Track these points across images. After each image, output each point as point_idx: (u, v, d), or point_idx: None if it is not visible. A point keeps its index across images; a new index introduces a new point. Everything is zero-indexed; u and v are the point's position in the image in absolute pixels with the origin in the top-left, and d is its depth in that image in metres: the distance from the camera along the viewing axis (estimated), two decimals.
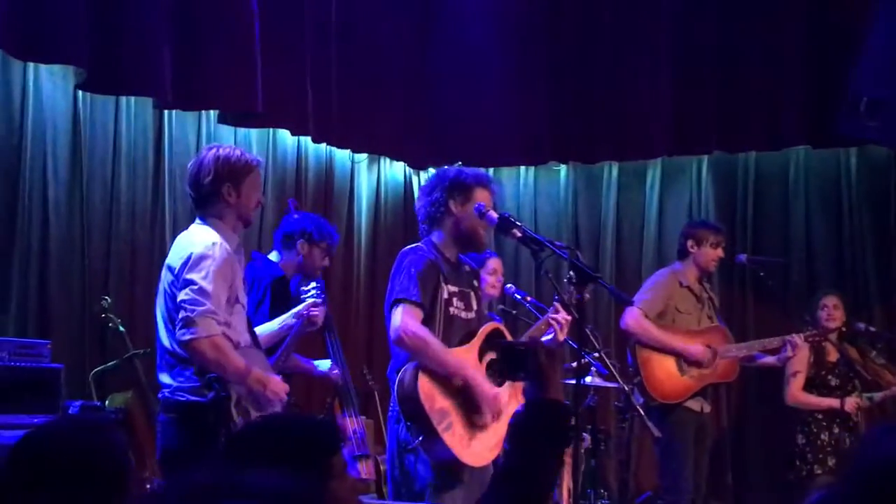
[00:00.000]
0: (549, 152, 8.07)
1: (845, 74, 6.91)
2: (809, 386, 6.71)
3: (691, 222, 6.85)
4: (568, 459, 4.88)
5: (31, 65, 5.92)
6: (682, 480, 6.00)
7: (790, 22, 7.54)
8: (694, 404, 6.06)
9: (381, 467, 6.24)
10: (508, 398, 4.52)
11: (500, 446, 4.51)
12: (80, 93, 6.14)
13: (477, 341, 4.50)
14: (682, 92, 7.68)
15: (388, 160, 8.29)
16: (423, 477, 4.34)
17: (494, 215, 4.41)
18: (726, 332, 6.28)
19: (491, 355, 4.52)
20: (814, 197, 7.95)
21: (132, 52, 5.90)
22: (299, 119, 7.07)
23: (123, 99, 6.40)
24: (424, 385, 4.28)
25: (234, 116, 6.83)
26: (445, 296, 4.46)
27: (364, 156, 8.03)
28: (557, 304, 4.64)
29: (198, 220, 4.22)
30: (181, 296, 3.98)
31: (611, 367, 4.59)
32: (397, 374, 4.38)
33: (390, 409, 4.49)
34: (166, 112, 6.61)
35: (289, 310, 5.13)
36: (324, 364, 5.74)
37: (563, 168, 8.50)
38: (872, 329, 6.82)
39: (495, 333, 4.59)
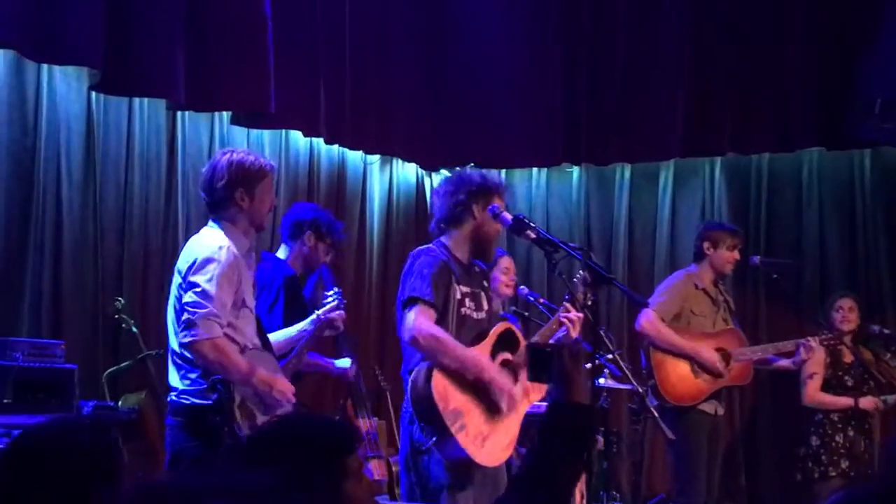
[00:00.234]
0: (561, 154, 8.06)
1: (859, 76, 6.91)
2: (826, 387, 6.70)
3: (708, 224, 6.82)
4: None
5: (44, 66, 5.93)
6: (695, 483, 5.98)
7: (803, 23, 7.52)
8: (708, 407, 6.03)
9: (393, 468, 6.24)
10: (520, 398, 4.52)
11: (513, 446, 4.52)
12: (93, 94, 6.15)
13: (489, 341, 4.50)
14: (695, 94, 7.67)
15: (400, 161, 8.28)
16: (436, 477, 4.33)
17: (509, 216, 4.42)
18: (741, 335, 6.25)
19: (504, 355, 4.53)
20: (827, 199, 7.92)
21: (146, 53, 5.92)
22: (312, 120, 7.08)
23: (137, 100, 6.41)
24: (438, 385, 4.28)
25: (247, 118, 6.84)
26: (458, 296, 4.46)
27: (376, 157, 8.03)
28: (567, 304, 4.64)
29: (210, 223, 4.24)
30: (185, 298, 4.01)
31: (624, 368, 4.59)
32: (410, 374, 4.39)
33: (403, 409, 4.48)
34: (179, 113, 6.62)
35: (302, 309, 5.12)
36: (343, 362, 5.72)
37: (575, 170, 8.49)
38: (887, 331, 6.80)
39: (507, 333, 4.59)
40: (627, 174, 8.36)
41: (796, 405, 6.78)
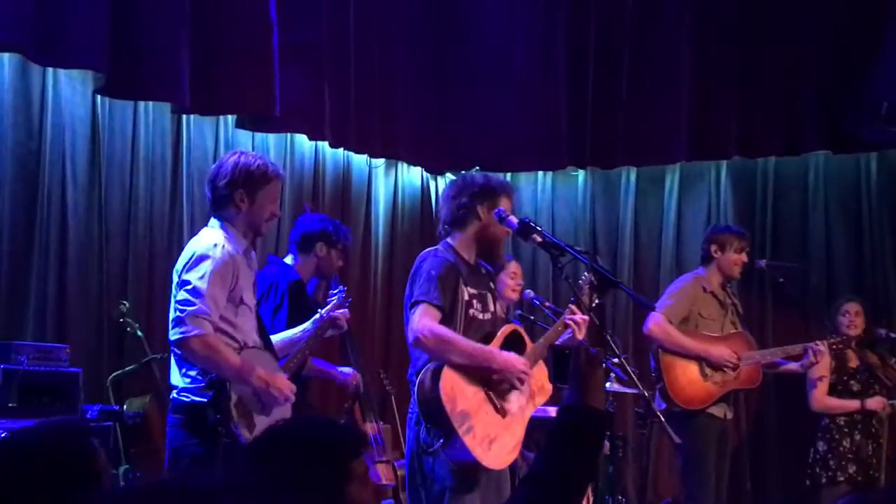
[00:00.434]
0: (566, 157, 8.06)
1: (865, 79, 6.89)
2: (832, 391, 6.68)
3: (715, 227, 6.79)
4: None
5: (50, 69, 5.94)
6: (704, 488, 5.95)
7: (809, 27, 7.51)
8: (717, 410, 6.00)
9: (399, 472, 6.23)
10: (526, 401, 4.51)
11: (518, 449, 4.50)
12: (98, 98, 6.16)
13: (496, 342, 4.50)
14: (700, 97, 7.66)
15: (405, 165, 8.28)
16: (441, 479, 4.33)
17: (514, 220, 4.41)
18: (749, 338, 6.23)
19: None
20: (833, 202, 7.91)
21: (151, 57, 5.93)
22: (317, 124, 7.08)
23: (142, 104, 6.41)
24: (446, 387, 4.27)
25: (252, 121, 6.84)
26: (466, 297, 4.46)
27: (381, 160, 8.02)
28: (573, 306, 4.63)
29: (211, 220, 4.27)
30: (177, 296, 4.05)
31: (630, 372, 4.57)
32: (417, 376, 4.38)
33: (409, 411, 4.48)
34: (184, 117, 6.62)
35: (306, 313, 5.11)
36: (345, 371, 5.75)
37: (581, 173, 8.48)
38: (893, 335, 6.78)
39: (514, 335, 4.59)
40: (633, 178, 8.35)
41: (802, 410, 6.76)
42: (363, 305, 7.72)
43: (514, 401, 4.47)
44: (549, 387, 4.71)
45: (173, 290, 4.15)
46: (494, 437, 4.37)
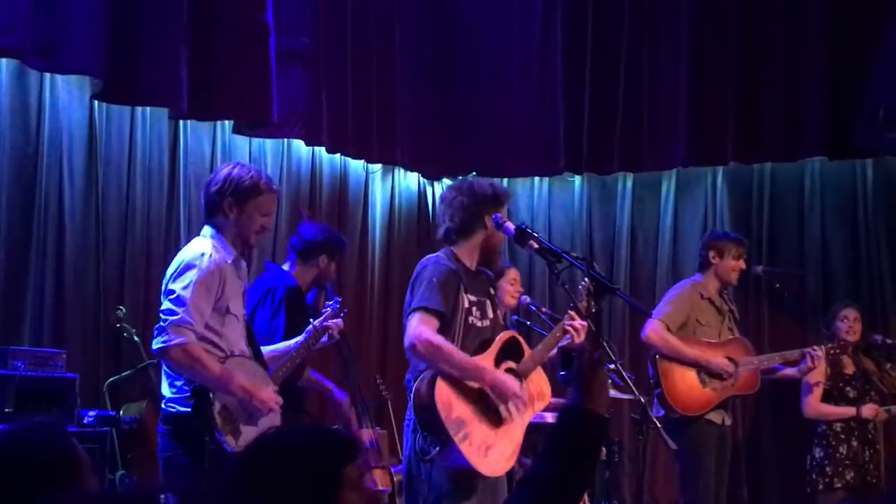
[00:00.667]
0: (563, 163, 8.06)
1: (862, 85, 6.90)
2: (827, 397, 6.69)
3: (713, 233, 6.80)
4: None
5: (47, 75, 5.94)
6: (703, 494, 5.95)
7: (807, 33, 7.52)
8: (716, 416, 6.01)
9: (396, 478, 6.23)
10: (525, 405, 4.51)
11: (516, 456, 4.50)
12: (95, 103, 6.16)
13: (493, 349, 4.50)
14: (697, 103, 7.67)
15: (402, 170, 8.28)
16: (438, 486, 4.32)
17: (512, 226, 4.41)
18: (747, 344, 6.23)
19: (507, 364, 4.53)
20: (829, 208, 7.91)
21: (148, 62, 5.93)
22: (314, 129, 7.08)
23: (139, 109, 6.41)
24: (441, 394, 4.27)
25: (249, 126, 6.83)
26: (466, 305, 4.47)
27: (378, 166, 8.02)
28: (573, 312, 4.63)
29: (205, 227, 4.29)
30: (162, 305, 4.08)
31: (626, 378, 4.57)
32: (415, 381, 4.38)
33: (406, 417, 4.47)
34: (181, 122, 6.62)
35: (304, 320, 5.11)
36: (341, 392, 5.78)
37: (577, 179, 8.49)
38: (889, 341, 6.79)
39: (511, 342, 4.58)
40: (630, 183, 8.36)
41: (799, 416, 6.77)
42: (360, 311, 7.71)
43: (512, 408, 4.47)
44: (548, 393, 4.70)
45: (161, 299, 4.17)
46: (491, 445, 4.36)
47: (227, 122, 6.85)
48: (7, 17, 5.39)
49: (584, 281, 4.05)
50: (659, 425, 4.30)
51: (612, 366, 4.94)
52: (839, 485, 6.52)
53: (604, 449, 6.07)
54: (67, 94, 6.10)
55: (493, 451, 4.36)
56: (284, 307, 5.25)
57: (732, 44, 7.67)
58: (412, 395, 4.37)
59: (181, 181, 6.61)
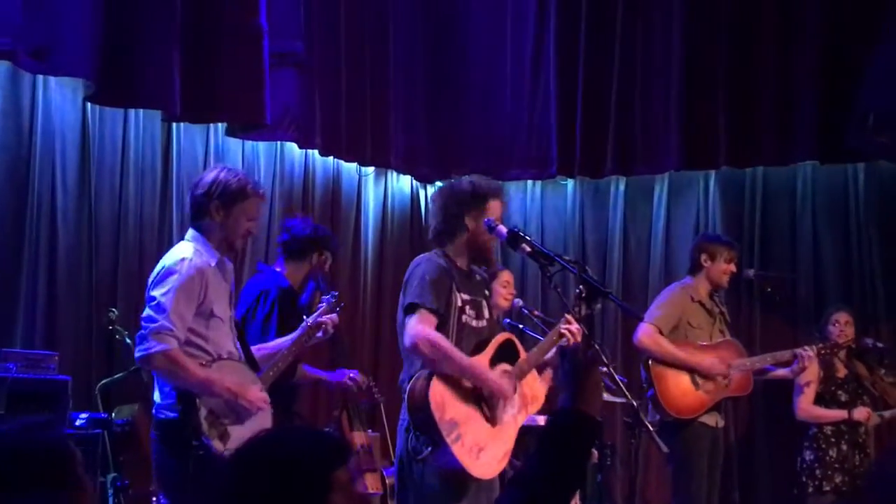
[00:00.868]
0: (556, 166, 8.07)
1: (854, 90, 6.92)
2: (819, 401, 6.70)
3: (705, 236, 6.81)
4: None
5: (40, 77, 5.95)
6: (695, 497, 5.96)
7: (800, 38, 7.53)
8: (709, 419, 6.02)
9: (388, 481, 6.23)
10: (517, 410, 4.52)
11: (508, 458, 4.51)
12: (89, 105, 6.16)
13: (489, 350, 4.50)
14: (690, 107, 7.68)
15: (395, 173, 8.28)
16: (430, 487, 4.32)
17: (504, 230, 4.40)
18: (739, 346, 6.25)
19: (503, 366, 4.54)
20: (821, 212, 7.93)
21: (141, 64, 5.93)
22: (307, 132, 7.08)
23: (132, 111, 6.42)
24: (436, 395, 4.27)
25: (242, 129, 6.84)
26: (459, 304, 4.46)
27: (371, 169, 8.03)
28: (569, 317, 4.64)
29: (189, 230, 4.31)
30: (143, 312, 4.10)
31: (619, 382, 4.58)
32: (410, 381, 4.38)
33: (400, 417, 4.47)
34: (174, 124, 6.63)
35: (297, 321, 5.10)
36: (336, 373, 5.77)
37: (570, 182, 8.49)
38: (880, 345, 6.81)
39: (507, 344, 4.59)
40: (622, 187, 8.36)
41: (791, 418, 6.78)
42: (353, 313, 7.71)
43: (506, 410, 4.48)
44: (541, 396, 4.71)
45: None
46: (483, 446, 4.37)
47: (220, 124, 6.85)
48: (0, 19, 5.39)
49: (580, 288, 4.06)
50: (651, 428, 4.31)
51: (605, 369, 4.95)
52: (828, 488, 6.53)
53: (596, 452, 6.07)
54: (60, 96, 6.10)
55: (484, 453, 4.36)
56: (277, 309, 5.25)
57: (724, 48, 7.68)
58: (406, 395, 4.36)
59: (174, 183, 6.61)
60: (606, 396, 5.91)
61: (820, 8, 7.49)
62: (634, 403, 4.30)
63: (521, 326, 6.27)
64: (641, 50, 7.91)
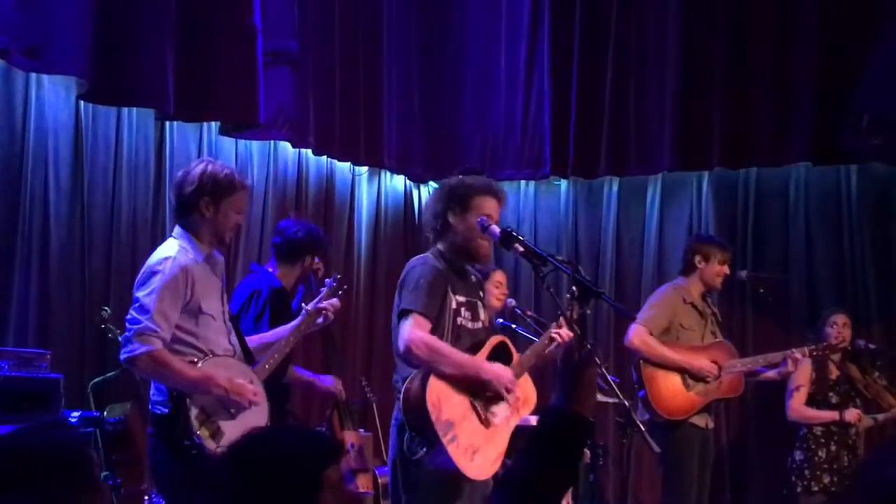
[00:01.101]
0: (549, 167, 8.08)
1: (849, 92, 6.93)
2: (810, 402, 6.72)
3: (699, 237, 6.82)
4: None
5: (33, 75, 5.93)
6: (685, 497, 5.97)
7: (795, 39, 7.55)
8: (699, 420, 6.03)
9: (379, 481, 6.23)
10: (511, 412, 4.52)
11: (502, 460, 4.51)
12: (82, 103, 6.15)
13: (484, 353, 4.50)
14: (684, 107, 7.69)
15: (388, 173, 8.28)
16: (424, 488, 4.32)
17: (497, 229, 4.40)
18: (730, 348, 6.25)
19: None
20: (814, 213, 7.94)
21: (135, 63, 5.92)
22: (301, 131, 7.08)
23: (125, 110, 6.41)
24: (432, 395, 4.27)
25: (236, 128, 6.83)
26: (454, 306, 4.45)
27: (365, 168, 8.03)
28: (563, 320, 4.64)
29: (175, 228, 4.26)
30: (128, 314, 4.06)
31: (611, 382, 4.59)
32: (404, 383, 4.37)
33: (394, 418, 4.47)
34: (168, 123, 6.62)
35: (289, 320, 5.08)
36: (326, 377, 5.76)
37: (563, 183, 8.50)
38: (872, 346, 6.82)
39: (501, 346, 4.59)
40: (615, 187, 8.37)
41: (783, 419, 6.80)
42: (346, 313, 7.69)
43: (500, 412, 4.48)
44: (534, 398, 4.71)
45: None
46: (478, 448, 4.37)
47: (213, 123, 6.85)
48: None
49: (573, 289, 4.07)
50: (643, 429, 4.32)
51: (597, 369, 4.96)
52: (816, 488, 6.55)
53: (588, 452, 6.08)
54: (53, 94, 6.09)
55: (479, 455, 4.36)
56: (269, 309, 5.25)
57: (719, 49, 7.69)
58: (402, 396, 4.35)
59: (167, 182, 6.58)
60: (598, 396, 5.93)
61: (815, 9, 7.50)
62: (626, 403, 4.31)
63: (513, 326, 6.27)
64: (635, 51, 7.92)
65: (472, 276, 4.69)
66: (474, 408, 4.40)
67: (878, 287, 7.69)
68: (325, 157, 7.62)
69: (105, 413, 5.57)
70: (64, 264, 6.06)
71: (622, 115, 7.89)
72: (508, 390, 4.42)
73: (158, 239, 6.41)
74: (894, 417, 6.74)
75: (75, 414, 5.44)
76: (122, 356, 4.02)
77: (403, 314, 4.37)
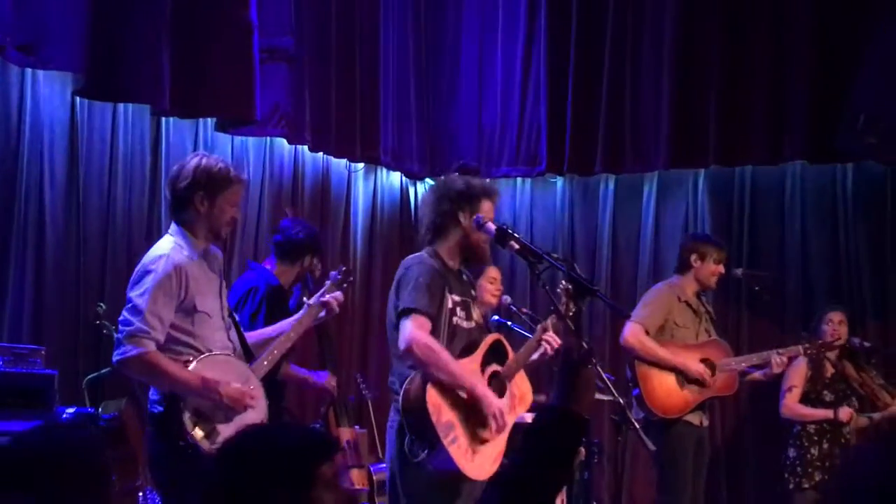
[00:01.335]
0: (545, 164, 8.08)
1: (845, 90, 6.93)
2: (804, 400, 6.73)
3: (695, 235, 6.83)
4: None
5: (28, 70, 5.92)
6: (681, 495, 5.98)
7: (791, 38, 7.54)
8: (694, 418, 6.04)
9: (374, 477, 6.23)
10: (508, 411, 4.52)
11: (501, 459, 4.50)
12: (77, 99, 6.14)
13: (480, 352, 4.50)
14: (680, 105, 7.68)
15: (385, 170, 8.28)
16: (423, 489, 4.32)
17: (493, 227, 4.40)
18: (725, 346, 6.26)
19: (494, 367, 4.53)
20: (810, 211, 7.95)
21: (130, 59, 5.90)
22: (297, 128, 7.07)
23: (121, 106, 6.40)
24: (433, 397, 4.26)
25: (232, 124, 6.82)
26: (450, 305, 4.45)
27: (361, 165, 8.02)
28: (547, 323, 4.64)
29: (171, 225, 4.22)
30: (121, 315, 4.02)
31: (606, 380, 4.59)
32: (401, 383, 4.37)
33: (390, 418, 4.46)
34: (164, 119, 6.61)
35: (285, 318, 5.07)
36: (321, 373, 5.76)
37: (559, 180, 8.51)
38: (867, 344, 6.83)
39: (497, 345, 4.59)
40: (611, 185, 8.38)
41: (777, 417, 6.81)
42: (341, 310, 7.65)
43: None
44: (529, 396, 4.71)
45: None
46: (478, 449, 4.37)
47: (209, 119, 6.84)
48: None
49: (563, 283, 4.07)
50: (638, 427, 4.32)
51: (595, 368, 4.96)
52: (807, 485, 6.58)
53: (583, 450, 6.08)
54: (49, 90, 6.08)
55: (479, 455, 4.36)
56: (265, 307, 5.25)
57: (715, 47, 7.69)
58: (401, 398, 4.34)
59: (163, 178, 6.56)
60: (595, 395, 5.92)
61: (811, 8, 7.50)
62: (622, 401, 4.31)
63: (509, 323, 6.27)
64: (632, 48, 7.92)
65: (465, 276, 4.69)
66: (473, 409, 4.39)
67: (874, 285, 7.70)
68: (321, 153, 7.61)
69: (100, 409, 5.57)
70: (59, 260, 6.05)
71: (618, 112, 7.89)
72: (496, 419, 4.37)
73: (154, 235, 6.43)
74: (890, 416, 6.74)
75: (70, 410, 5.43)
76: (114, 359, 3.98)
77: (404, 313, 4.35)
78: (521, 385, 4.66)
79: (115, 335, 4.02)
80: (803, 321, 7.26)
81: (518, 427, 4.79)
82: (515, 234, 4.32)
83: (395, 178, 8.43)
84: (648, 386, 5.99)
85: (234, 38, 6.40)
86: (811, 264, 7.90)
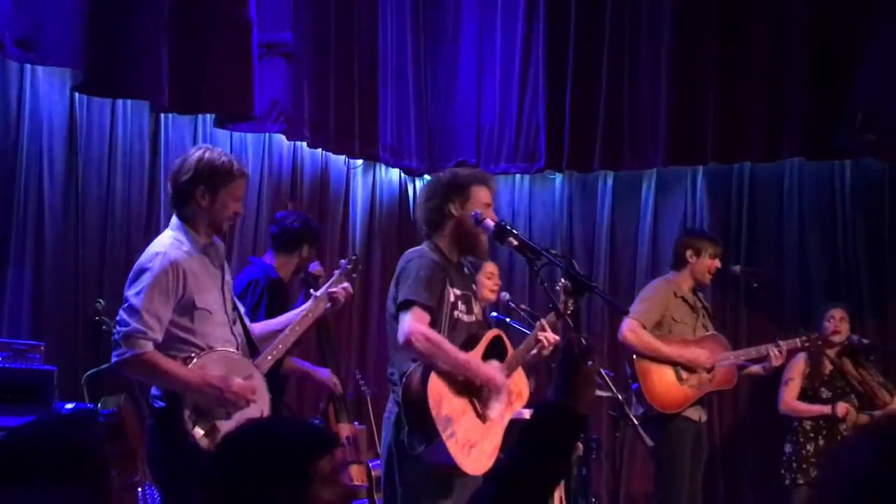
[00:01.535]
0: (544, 161, 8.08)
1: (843, 87, 6.94)
2: (802, 397, 6.74)
3: (691, 231, 6.84)
4: None
5: (28, 66, 5.92)
6: (679, 490, 5.99)
7: (789, 35, 7.55)
8: (692, 413, 6.05)
9: (373, 473, 6.24)
10: (504, 407, 4.53)
11: (496, 455, 4.52)
12: (76, 95, 6.14)
13: (480, 347, 4.51)
14: (679, 102, 7.69)
15: (383, 166, 8.28)
16: (419, 482, 4.33)
17: (491, 223, 4.41)
18: (723, 341, 6.27)
19: (492, 362, 4.54)
20: (808, 208, 7.96)
21: (130, 55, 5.90)
22: (295, 124, 7.07)
23: (120, 102, 6.39)
24: (433, 390, 4.27)
25: (231, 120, 6.82)
26: (451, 299, 4.46)
27: (360, 161, 8.02)
28: (545, 322, 4.65)
29: (172, 218, 4.17)
30: (118, 315, 3.98)
31: (604, 376, 4.59)
32: (400, 375, 4.37)
33: (388, 411, 4.47)
34: (163, 115, 6.61)
35: (285, 310, 5.07)
36: (323, 370, 5.78)
37: (558, 176, 8.51)
38: (866, 341, 6.84)
39: (497, 340, 4.60)
40: (610, 182, 8.38)
41: (775, 412, 6.82)
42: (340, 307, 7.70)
43: (495, 407, 4.49)
44: (526, 392, 4.72)
45: None
46: (475, 443, 4.38)
47: (208, 115, 6.83)
48: None
49: (561, 280, 4.08)
50: (636, 422, 4.33)
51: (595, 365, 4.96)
52: (802, 481, 6.60)
53: (581, 445, 6.09)
54: (48, 85, 6.07)
55: (475, 450, 4.37)
56: (266, 299, 5.26)
57: (713, 44, 7.69)
58: (401, 390, 4.34)
59: (162, 174, 6.57)
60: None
61: (809, 5, 7.50)
62: (620, 397, 4.31)
63: (507, 320, 6.28)
64: (630, 45, 7.92)
65: (466, 269, 4.69)
66: (472, 404, 4.41)
67: (872, 282, 7.71)
68: (319, 149, 7.61)
69: (99, 405, 5.57)
70: (58, 256, 6.05)
71: (617, 109, 7.89)
72: (499, 392, 4.44)
73: (153, 231, 6.42)
74: (889, 414, 6.75)
75: (69, 406, 5.44)
76: (112, 360, 3.94)
77: (404, 306, 4.35)
78: (518, 382, 4.67)
79: (113, 335, 3.98)
80: (801, 318, 7.26)
81: (515, 423, 4.80)
82: (514, 231, 4.32)
83: (394, 174, 8.43)
84: (647, 381, 6.00)
85: (232, 34, 6.40)
86: (809, 261, 7.91)
